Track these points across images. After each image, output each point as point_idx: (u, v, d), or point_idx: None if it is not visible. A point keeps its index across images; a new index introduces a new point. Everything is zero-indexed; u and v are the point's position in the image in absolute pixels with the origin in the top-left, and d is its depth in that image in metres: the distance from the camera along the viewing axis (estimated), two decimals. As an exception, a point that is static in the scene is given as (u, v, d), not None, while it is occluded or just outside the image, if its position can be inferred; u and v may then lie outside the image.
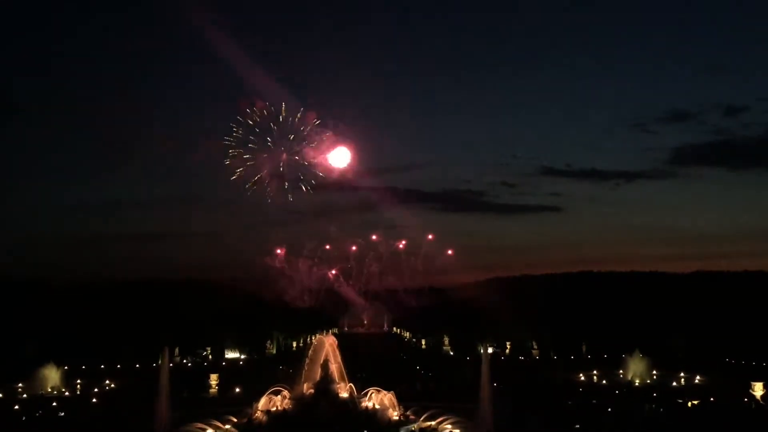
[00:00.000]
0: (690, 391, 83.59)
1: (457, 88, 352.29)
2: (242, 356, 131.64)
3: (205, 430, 60.55)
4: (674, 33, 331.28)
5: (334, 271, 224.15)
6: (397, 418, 63.51)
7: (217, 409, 67.84)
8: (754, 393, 75.58)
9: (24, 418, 68.22)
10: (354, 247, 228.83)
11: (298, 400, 63.82)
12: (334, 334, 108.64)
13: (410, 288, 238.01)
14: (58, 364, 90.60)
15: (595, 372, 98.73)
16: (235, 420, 63.96)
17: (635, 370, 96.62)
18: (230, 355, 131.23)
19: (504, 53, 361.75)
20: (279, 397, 64.88)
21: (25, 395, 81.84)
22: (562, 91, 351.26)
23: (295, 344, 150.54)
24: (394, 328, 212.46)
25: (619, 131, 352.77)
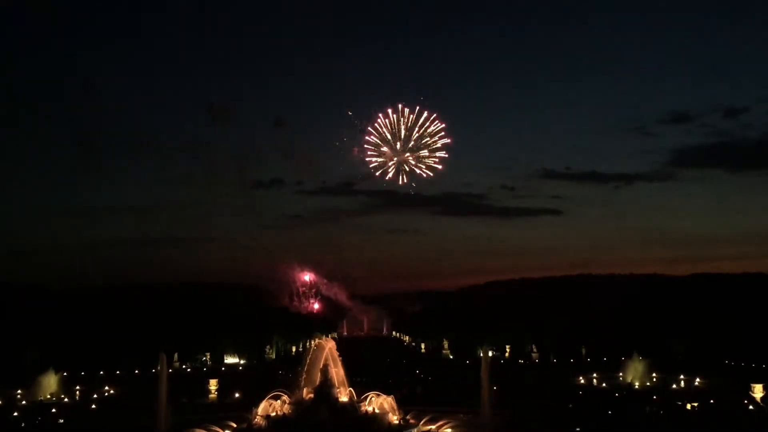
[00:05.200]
0: (690, 393, 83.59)
1: (458, 91, 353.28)
2: (241, 361, 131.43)
3: (204, 435, 60.57)
4: (674, 35, 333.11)
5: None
6: (397, 422, 63.47)
7: (217, 415, 67.81)
8: (754, 395, 75.50)
9: (23, 425, 68.04)
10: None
11: (298, 404, 63.76)
12: (334, 339, 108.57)
13: (402, 292, 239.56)
14: (57, 371, 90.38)
15: (594, 375, 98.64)
16: (235, 425, 63.94)
17: (635, 373, 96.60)
18: (229, 360, 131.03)
19: (504, 56, 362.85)
20: (279, 401, 64.80)
21: (24, 402, 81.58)
22: (561, 93, 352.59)
23: (294, 349, 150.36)
24: (394, 332, 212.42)
25: (619, 134, 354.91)
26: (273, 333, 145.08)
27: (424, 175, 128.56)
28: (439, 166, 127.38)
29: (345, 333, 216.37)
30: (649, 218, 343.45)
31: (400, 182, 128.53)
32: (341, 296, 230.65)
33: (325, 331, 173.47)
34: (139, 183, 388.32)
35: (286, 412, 63.44)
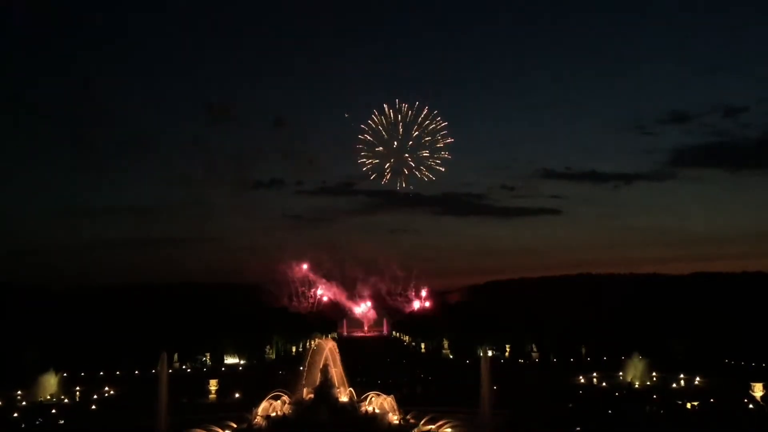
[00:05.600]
0: (690, 392, 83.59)
1: (457, 91, 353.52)
2: (241, 361, 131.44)
3: (204, 436, 60.54)
4: (673, 34, 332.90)
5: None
6: (397, 422, 63.47)
7: (217, 415, 67.82)
8: (754, 394, 75.56)
9: (23, 426, 68.00)
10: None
11: (298, 404, 63.77)
12: (334, 339, 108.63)
13: (402, 292, 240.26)
14: (57, 371, 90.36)
15: (594, 374, 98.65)
16: (235, 425, 63.93)
17: (635, 372, 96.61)
18: (229, 360, 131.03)
19: (503, 55, 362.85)
20: (279, 402, 64.82)
21: (24, 403, 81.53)
22: (561, 93, 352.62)
23: (294, 349, 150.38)
24: (394, 332, 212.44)
25: (618, 133, 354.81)
26: (273, 333, 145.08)
27: (425, 179, 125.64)
28: (442, 168, 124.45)
29: (345, 333, 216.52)
30: (648, 218, 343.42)
31: (398, 187, 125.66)
32: (341, 296, 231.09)
33: (325, 331, 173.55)
34: (139, 183, 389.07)
35: (286, 412, 63.45)
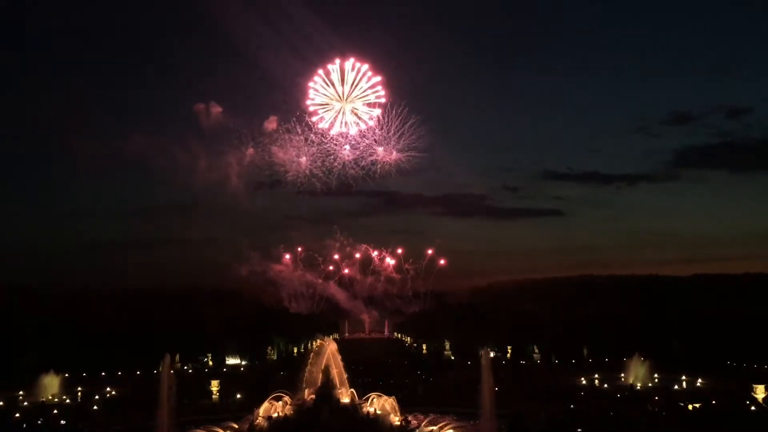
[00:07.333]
0: (691, 394, 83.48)
1: (458, 91, 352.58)
2: (243, 362, 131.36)
3: (206, 436, 60.65)
4: (676, 35, 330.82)
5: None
6: (398, 423, 63.44)
7: (219, 415, 67.90)
8: (756, 395, 75.49)
9: (25, 426, 68.09)
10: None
11: (300, 405, 63.76)
12: (335, 340, 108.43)
13: (405, 293, 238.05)
14: (58, 372, 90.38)
15: (596, 376, 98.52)
16: (237, 426, 64.00)
17: (636, 374, 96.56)
18: (231, 361, 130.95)
19: (505, 56, 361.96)
20: (280, 402, 64.84)
21: (26, 403, 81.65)
22: (563, 94, 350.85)
23: (296, 350, 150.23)
24: (396, 333, 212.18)
25: (621, 134, 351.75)
26: (274, 334, 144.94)
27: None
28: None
29: (346, 334, 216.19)
30: (651, 219, 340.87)
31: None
32: (341, 296, 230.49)
33: (327, 333, 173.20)
34: (141, 185, 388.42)
35: (287, 413, 63.45)
